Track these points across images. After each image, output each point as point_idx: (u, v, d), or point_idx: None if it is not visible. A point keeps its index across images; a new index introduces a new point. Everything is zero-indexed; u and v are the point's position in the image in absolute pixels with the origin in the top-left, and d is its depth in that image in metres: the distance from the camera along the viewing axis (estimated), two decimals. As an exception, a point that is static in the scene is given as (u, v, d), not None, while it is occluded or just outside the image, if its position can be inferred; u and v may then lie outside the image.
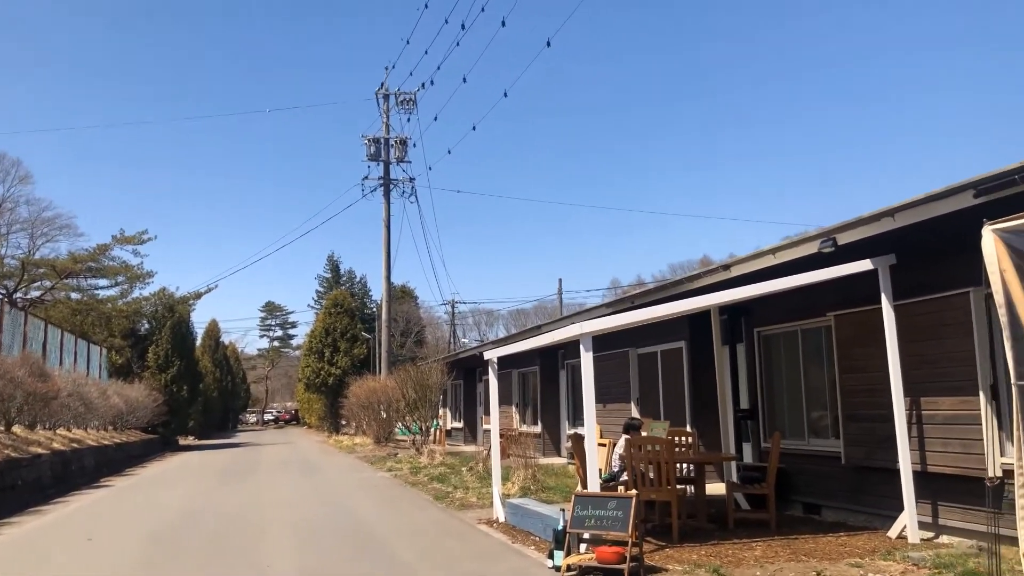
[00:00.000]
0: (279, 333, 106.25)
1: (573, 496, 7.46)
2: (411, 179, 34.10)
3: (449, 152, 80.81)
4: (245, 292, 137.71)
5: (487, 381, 26.28)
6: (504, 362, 19.92)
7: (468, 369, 28.86)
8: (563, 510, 7.52)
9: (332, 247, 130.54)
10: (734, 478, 11.31)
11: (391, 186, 33.99)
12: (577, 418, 19.33)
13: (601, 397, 16.99)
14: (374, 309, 62.96)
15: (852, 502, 9.81)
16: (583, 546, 7.46)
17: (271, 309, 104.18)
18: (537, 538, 9.08)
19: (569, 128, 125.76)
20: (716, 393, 13.42)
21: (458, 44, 24.71)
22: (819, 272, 8.73)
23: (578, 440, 10.15)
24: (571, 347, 18.99)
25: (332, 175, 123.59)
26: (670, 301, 9.40)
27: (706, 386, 13.60)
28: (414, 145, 34.33)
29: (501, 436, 11.79)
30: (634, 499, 7.03)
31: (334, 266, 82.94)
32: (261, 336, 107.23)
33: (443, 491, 14.61)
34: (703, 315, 13.47)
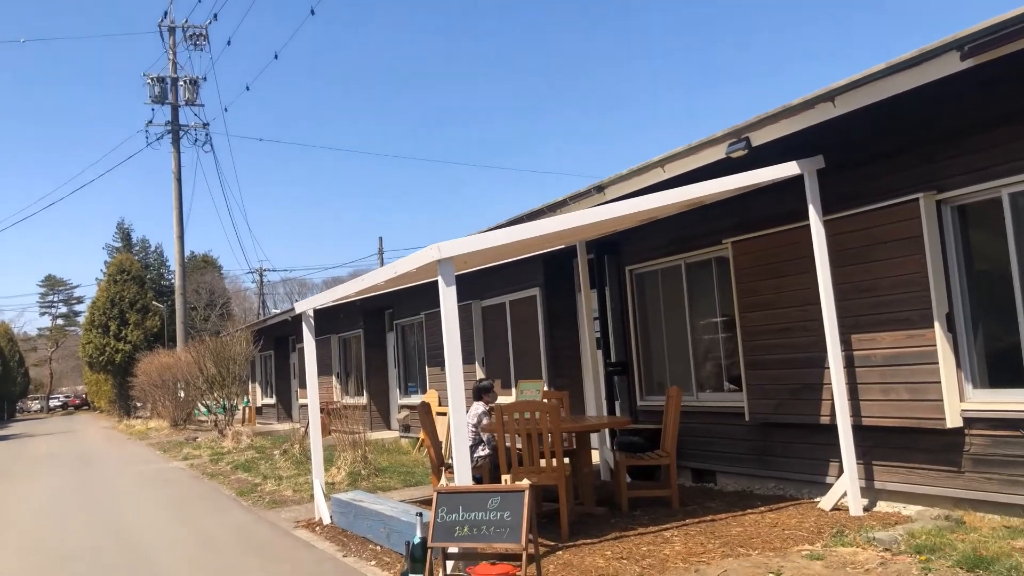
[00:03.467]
0: (63, 310, 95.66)
1: (435, 494, 5.12)
2: (205, 124, 29.94)
3: (248, 88, 73.27)
4: (21, 265, 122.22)
5: (301, 349, 23.30)
6: (322, 325, 17.13)
7: (279, 338, 25.65)
8: (420, 514, 5.16)
9: (123, 213, 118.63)
10: (608, 445, 9.42)
11: (181, 133, 29.69)
12: (411, 386, 16.97)
13: (437, 359, 14.72)
14: (172, 281, 57.18)
15: (758, 466, 8.15)
16: (451, 564, 5.16)
17: (52, 284, 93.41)
18: (377, 547, 6.69)
19: (390, 60, 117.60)
20: (578, 347, 11.53)
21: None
22: (724, 180, 6.83)
23: (426, 411, 7.82)
24: (402, 303, 16.53)
25: (114, 122, 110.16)
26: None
27: (565, 339, 11.68)
28: (204, 79, 30.07)
29: (321, 411, 9.31)
30: (527, 493, 4.80)
31: (125, 234, 75.02)
32: (42, 314, 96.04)
33: (250, 483, 11.82)
34: (558, 258, 11.52)
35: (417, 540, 5.08)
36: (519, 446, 6.66)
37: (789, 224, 7.53)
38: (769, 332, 7.86)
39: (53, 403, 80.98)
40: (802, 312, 7.48)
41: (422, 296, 14.94)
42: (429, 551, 5.00)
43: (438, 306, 14.85)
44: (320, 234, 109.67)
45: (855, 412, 6.90)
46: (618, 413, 10.17)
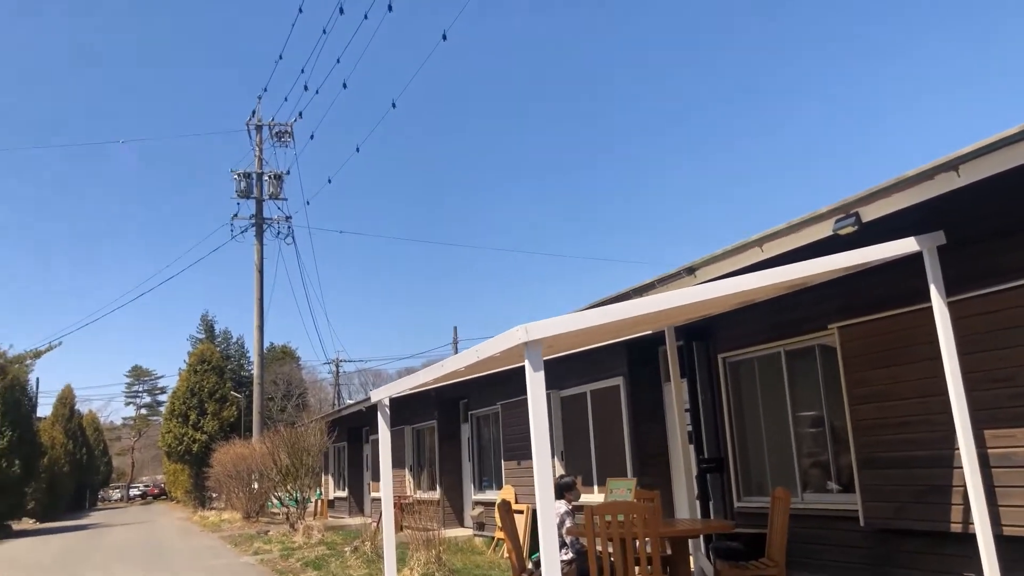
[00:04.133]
0: (147, 400, 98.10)
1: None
2: (287, 217, 30.72)
3: (330, 181, 75.10)
4: (109, 356, 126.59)
5: (375, 440, 22.93)
6: (395, 416, 16.76)
7: (353, 429, 25.38)
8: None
9: (207, 305, 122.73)
10: (703, 551, 8.60)
11: (264, 225, 30.47)
12: (485, 480, 16.31)
13: (514, 453, 14.11)
14: (251, 371, 58.22)
15: (877, 578, 7.24)
16: None
17: (138, 374, 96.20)
18: (453, 664, 6.05)
19: (462, 150, 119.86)
20: (665, 441, 10.81)
21: (338, 61, 21.91)
22: (835, 258, 6.24)
23: (507, 510, 7.23)
24: (477, 393, 16.06)
25: (199, 219, 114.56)
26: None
27: (651, 433, 10.98)
28: (287, 173, 30.96)
29: (394, 505, 8.78)
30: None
31: (208, 326, 77.32)
32: (127, 404, 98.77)
33: (319, 583, 11.27)
34: (642, 346, 10.93)
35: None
36: (609, 551, 6.01)
37: (904, 307, 6.86)
38: (885, 427, 7.09)
39: (133, 492, 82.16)
40: (923, 404, 6.72)
41: (498, 386, 14.45)
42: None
43: (514, 396, 14.33)
44: (396, 325, 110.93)
45: (994, 519, 6.04)
46: (712, 515, 9.36)
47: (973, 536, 6.24)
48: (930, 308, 6.50)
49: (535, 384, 4.97)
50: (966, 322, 6.18)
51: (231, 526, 25.20)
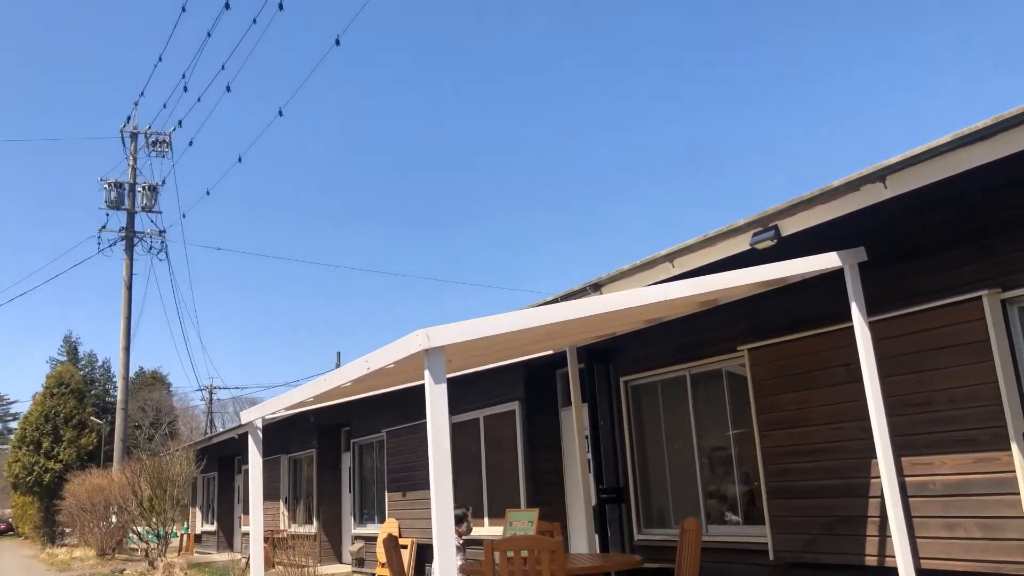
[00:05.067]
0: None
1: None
2: (161, 231, 28.79)
3: (208, 193, 69.69)
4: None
5: (247, 471, 21.42)
6: (271, 444, 15.61)
7: (224, 459, 23.75)
8: None
9: (71, 326, 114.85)
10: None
11: (136, 239, 28.48)
12: (366, 513, 15.33)
13: (400, 483, 13.29)
14: (117, 396, 54.62)
15: (785, 616, 6.86)
16: None
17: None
18: None
19: (355, 164, 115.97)
20: (561, 470, 10.29)
21: (223, 67, 20.45)
22: (753, 271, 5.87)
23: (393, 546, 6.48)
24: (361, 420, 15.13)
25: (63, 228, 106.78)
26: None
27: (547, 461, 10.44)
28: (163, 183, 29.05)
29: (266, 540, 7.84)
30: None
31: (71, 348, 72.47)
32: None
33: (175, 628, 10.07)
34: (540, 370, 10.44)
35: None
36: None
37: (818, 328, 6.58)
38: (795, 454, 6.76)
39: (-23, 528, 75.36)
40: (837, 430, 6.43)
41: (384, 411, 13.62)
42: None
43: (400, 422, 13.51)
44: (274, 349, 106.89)
45: (912, 551, 5.74)
46: (610, 548, 8.84)
47: (889, 570, 5.94)
48: (845, 330, 6.24)
49: (436, 398, 4.31)
50: (883, 344, 5.91)
51: (82, 564, 23.01)
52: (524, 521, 6.27)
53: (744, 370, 7.35)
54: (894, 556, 5.81)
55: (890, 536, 5.90)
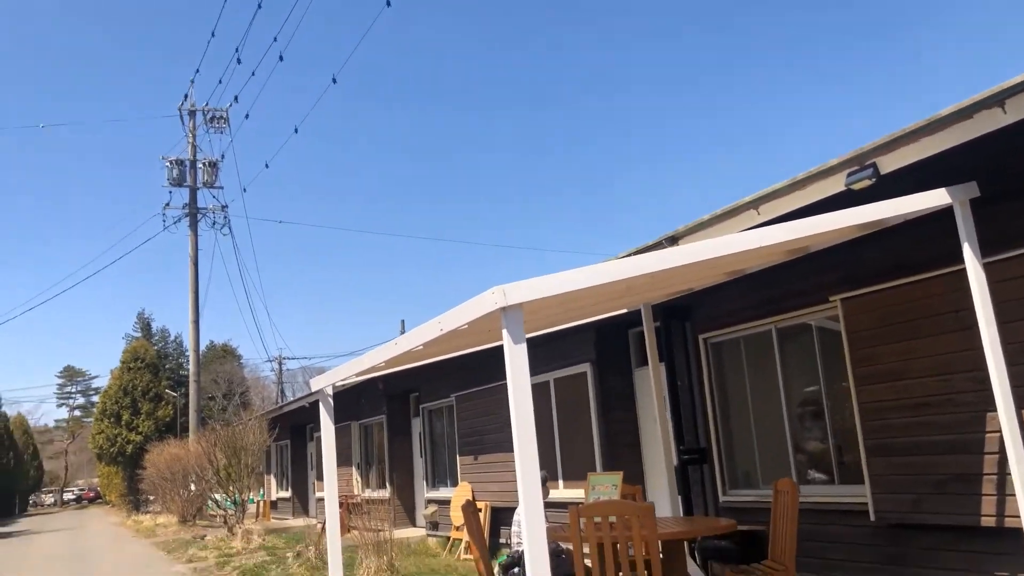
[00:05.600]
0: (81, 401, 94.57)
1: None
2: (223, 206, 29.12)
3: (267, 166, 71.40)
4: (40, 356, 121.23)
5: (319, 438, 21.67)
6: (342, 412, 15.62)
7: (296, 427, 24.09)
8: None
9: (143, 302, 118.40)
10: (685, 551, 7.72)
11: (199, 215, 28.86)
12: (438, 477, 15.28)
13: (471, 447, 13.13)
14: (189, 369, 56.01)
15: (889, 579, 6.45)
16: None
17: (71, 375, 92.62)
18: None
19: (415, 127, 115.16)
20: (637, 432, 9.95)
21: (275, 39, 20.22)
22: (855, 212, 5.38)
23: (472, 512, 6.26)
24: (429, 385, 15.03)
25: (133, 206, 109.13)
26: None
27: (622, 423, 10.12)
28: (223, 158, 29.31)
29: (340, 505, 7.75)
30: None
31: (144, 324, 74.63)
32: (60, 405, 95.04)
33: (256, 595, 10.14)
34: (612, 330, 10.08)
35: None
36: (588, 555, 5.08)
37: (920, 274, 6.07)
38: (898, 409, 6.29)
39: (67, 496, 79.01)
40: (944, 383, 5.94)
41: (452, 376, 13.46)
42: None
43: (471, 387, 13.32)
44: (339, 319, 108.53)
45: (1032, 512, 5.26)
46: (694, 511, 8.51)
47: (1010, 530, 5.48)
48: (953, 274, 5.74)
49: (516, 358, 4.01)
50: (1001, 287, 5.38)
51: (166, 531, 23.72)
52: (608, 485, 5.98)
53: (836, 323, 6.88)
54: (1016, 516, 5.37)
55: (1011, 495, 5.45)
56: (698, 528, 5.47)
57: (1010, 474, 5.37)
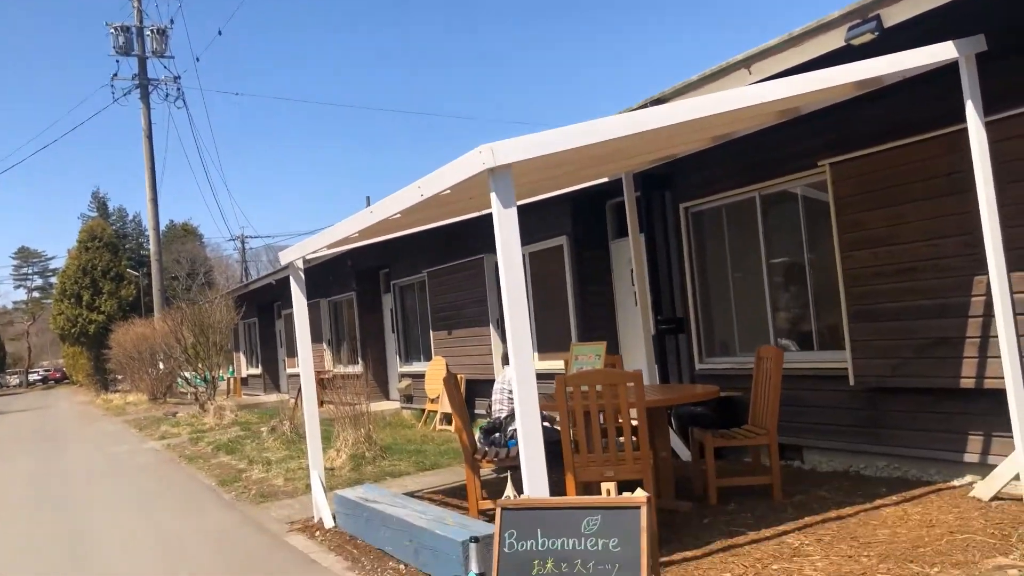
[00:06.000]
0: (39, 282, 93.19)
1: (499, 511, 3.47)
2: (176, 77, 27.78)
3: (220, 33, 66.19)
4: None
5: (287, 315, 21.51)
6: (310, 289, 15.41)
7: (263, 305, 23.89)
8: (475, 540, 3.50)
9: (98, 182, 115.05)
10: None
11: (150, 87, 27.53)
12: (411, 352, 15.30)
13: (444, 322, 13.07)
14: (150, 249, 54.96)
15: (864, 441, 6.56)
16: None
17: (26, 256, 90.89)
18: (401, 566, 5.06)
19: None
20: (613, 303, 9.90)
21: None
22: (848, 69, 5.11)
23: (453, 384, 6.18)
24: (399, 262, 14.81)
25: (76, 81, 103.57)
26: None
27: (598, 295, 10.04)
28: (172, 23, 27.77)
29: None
30: (646, 510, 3.17)
31: (100, 203, 72.98)
32: (17, 287, 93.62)
33: (233, 469, 10.17)
34: (588, 202, 9.84)
35: (474, 577, 3.44)
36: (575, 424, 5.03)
37: (915, 135, 5.87)
38: (883, 275, 6.22)
39: (33, 377, 78.94)
40: (932, 247, 5.85)
41: (424, 252, 13.24)
42: (495, 597, 3.37)
43: (443, 261, 13.09)
44: (304, 197, 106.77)
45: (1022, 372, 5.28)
46: (670, 379, 8.58)
47: (989, 391, 5.53)
48: (950, 135, 5.57)
49: (506, 223, 3.77)
50: (1001, 146, 5.20)
51: (136, 409, 23.80)
52: (591, 355, 5.89)
53: (822, 190, 6.71)
54: (997, 378, 5.40)
55: (993, 357, 5.47)
56: (684, 394, 5.45)
57: (994, 336, 5.38)
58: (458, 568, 4.27)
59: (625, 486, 5.73)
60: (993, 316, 5.41)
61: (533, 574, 3.29)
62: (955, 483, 5.71)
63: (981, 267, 5.40)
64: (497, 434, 6.71)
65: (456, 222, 8.54)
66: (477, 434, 7.04)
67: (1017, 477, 5.03)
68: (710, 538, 4.91)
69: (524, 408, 3.66)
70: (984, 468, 5.62)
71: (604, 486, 3.35)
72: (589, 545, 3.23)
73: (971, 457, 5.76)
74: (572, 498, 3.37)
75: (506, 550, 3.39)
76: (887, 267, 6.18)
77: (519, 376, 3.70)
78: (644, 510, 3.17)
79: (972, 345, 5.63)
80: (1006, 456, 5.33)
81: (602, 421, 4.84)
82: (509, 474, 4.03)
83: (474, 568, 3.45)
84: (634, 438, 5.07)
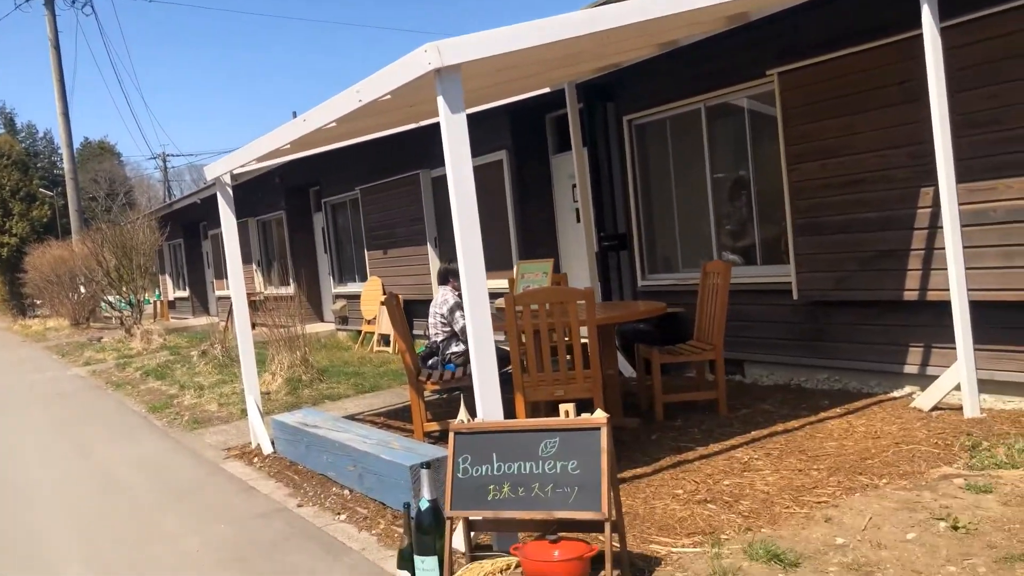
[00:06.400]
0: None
1: (452, 435, 3.30)
2: (82, -21, 25.84)
3: None
4: None
5: (214, 236, 20.77)
6: (238, 208, 14.82)
7: (189, 225, 22.99)
8: (426, 466, 3.34)
9: (3, 98, 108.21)
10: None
11: (55, -9, 25.59)
12: (345, 273, 14.92)
13: (379, 242, 12.74)
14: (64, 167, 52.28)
15: (805, 354, 6.61)
16: (481, 537, 3.42)
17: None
18: (345, 491, 4.91)
19: None
20: (554, 220, 9.72)
21: None
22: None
23: (395, 305, 5.95)
24: (330, 178, 14.28)
25: None
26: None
27: (539, 211, 9.83)
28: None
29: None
30: (605, 431, 3.04)
31: (7, 119, 68.65)
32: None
33: (164, 395, 9.82)
34: (528, 115, 9.52)
35: (425, 505, 3.29)
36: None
37: (868, 43, 5.71)
38: (830, 187, 6.15)
39: (-56, 304, 75.48)
40: (882, 159, 5.78)
41: (356, 168, 12.77)
42: (448, 522, 3.23)
43: (377, 178, 12.66)
44: (227, 113, 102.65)
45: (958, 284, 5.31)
46: (612, 296, 8.50)
47: (931, 304, 5.58)
48: (903, 41, 5.45)
49: (455, 130, 3.52)
50: (955, 54, 5.08)
51: (58, 334, 22.90)
52: (538, 273, 5.72)
53: (770, 101, 6.56)
54: (939, 290, 5.44)
55: (936, 269, 5.48)
56: (632, 312, 5.33)
57: (939, 248, 5.39)
58: (406, 493, 4.13)
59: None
60: (939, 228, 5.41)
61: (489, 499, 3.16)
62: (895, 394, 5.80)
63: (929, 178, 5.37)
64: (435, 358, 6.55)
65: (391, 135, 8.16)
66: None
67: (957, 387, 5.10)
68: (659, 454, 4.88)
69: (477, 329, 3.47)
70: (923, 379, 5.71)
71: (562, 407, 3.20)
72: (547, 468, 3.09)
73: (911, 368, 5.83)
74: (528, 420, 3.22)
75: (460, 475, 3.24)
76: (834, 179, 6.10)
77: (471, 297, 3.50)
78: (604, 431, 3.04)
79: (917, 257, 5.64)
80: (946, 367, 5.40)
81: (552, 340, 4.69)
82: (462, 396, 3.86)
83: (426, 494, 3.29)
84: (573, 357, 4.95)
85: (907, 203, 5.64)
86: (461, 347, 6.60)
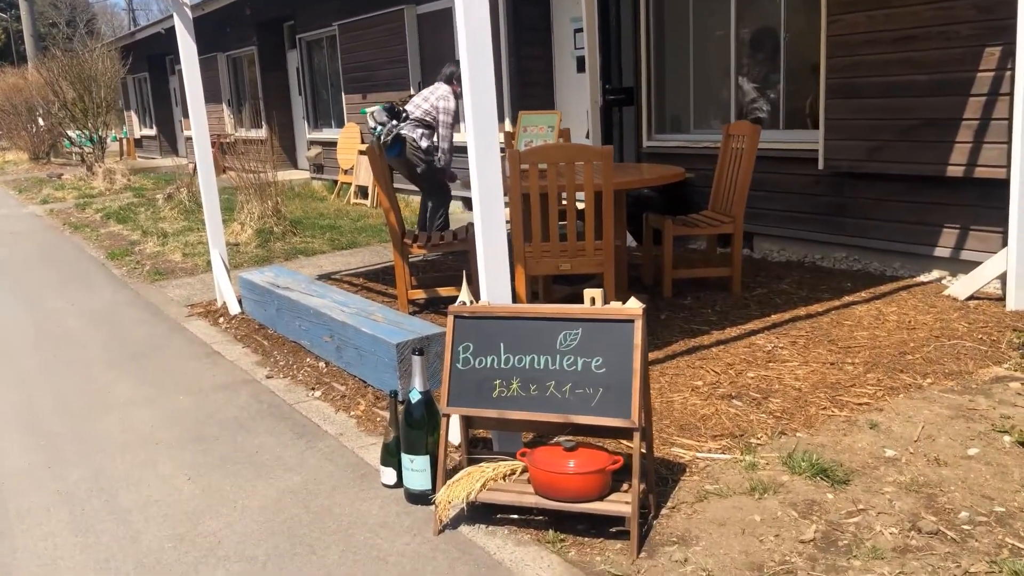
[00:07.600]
0: None
1: (451, 320, 2.74)
2: None
3: None
4: None
5: (181, 72, 19.36)
6: (205, 42, 13.66)
7: (155, 58, 21.48)
8: (419, 352, 2.80)
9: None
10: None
11: None
12: (321, 118, 13.96)
13: (358, 85, 11.80)
14: (20, -12, 48.89)
15: (823, 229, 6.07)
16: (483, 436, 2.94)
17: None
18: (321, 364, 4.41)
19: None
20: (551, 69, 8.90)
21: None
22: None
23: (378, 156, 5.25)
24: (305, 11, 13.09)
25: None
26: None
27: (536, 58, 8.98)
28: None
29: (212, 145, 6.53)
30: (640, 324, 2.49)
31: (-46, -69, 63.76)
32: None
33: (125, 240, 9.17)
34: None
35: (417, 397, 2.78)
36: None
37: None
38: (876, 43, 5.42)
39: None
40: (940, 11, 5.04)
41: (332, 1, 11.63)
42: (444, 420, 2.73)
43: (357, 13, 11.61)
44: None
45: (1005, 160, 4.73)
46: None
47: (971, 181, 5.03)
48: None
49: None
50: None
51: (16, 169, 21.81)
52: (543, 127, 5.03)
53: (818, -66, 5.69)
54: (990, 166, 4.86)
55: (991, 143, 4.87)
56: (653, 176, 4.69)
57: (998, 119, 4.77)
58: (390, 374, 3.63)
59: (578, 279, 5.13)
60: (1001, 96, 4.77)
61: (494, 396, 2.65)
62: (922, 278, 5.32)
63: (997, 36, 4.68)
64: (395, 121, 6.15)
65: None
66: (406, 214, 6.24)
67: (1001, 277, 4.61)
68: (671, 337, 4.40)
69: (485, 193, 2.85)
70: (954, 264, 5.24)
71: (587, 293, 2.63)
72: (566, 364, 2.57)
73: (942, 252, 5.33)
74: (544, 306, 2.65)
75: (460, 366, 2.70)
76: (882, 33, 5.36)
77: (479, 151, 2.86)
78: (639, 323, 2.50)
79: (968, 129, 5.01)
80: (984, 252, 4.91)
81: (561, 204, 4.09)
82: (464, 273, 3.28)
83: (418, 385, 2.78)
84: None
85: (966, 65, 4.95)
86: (425, 143, 6.36)
